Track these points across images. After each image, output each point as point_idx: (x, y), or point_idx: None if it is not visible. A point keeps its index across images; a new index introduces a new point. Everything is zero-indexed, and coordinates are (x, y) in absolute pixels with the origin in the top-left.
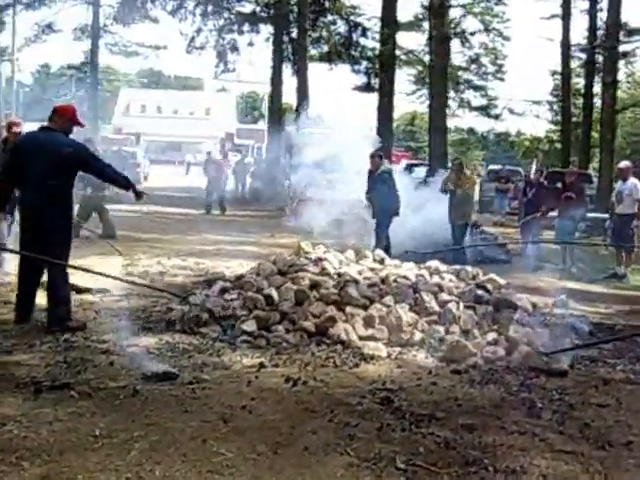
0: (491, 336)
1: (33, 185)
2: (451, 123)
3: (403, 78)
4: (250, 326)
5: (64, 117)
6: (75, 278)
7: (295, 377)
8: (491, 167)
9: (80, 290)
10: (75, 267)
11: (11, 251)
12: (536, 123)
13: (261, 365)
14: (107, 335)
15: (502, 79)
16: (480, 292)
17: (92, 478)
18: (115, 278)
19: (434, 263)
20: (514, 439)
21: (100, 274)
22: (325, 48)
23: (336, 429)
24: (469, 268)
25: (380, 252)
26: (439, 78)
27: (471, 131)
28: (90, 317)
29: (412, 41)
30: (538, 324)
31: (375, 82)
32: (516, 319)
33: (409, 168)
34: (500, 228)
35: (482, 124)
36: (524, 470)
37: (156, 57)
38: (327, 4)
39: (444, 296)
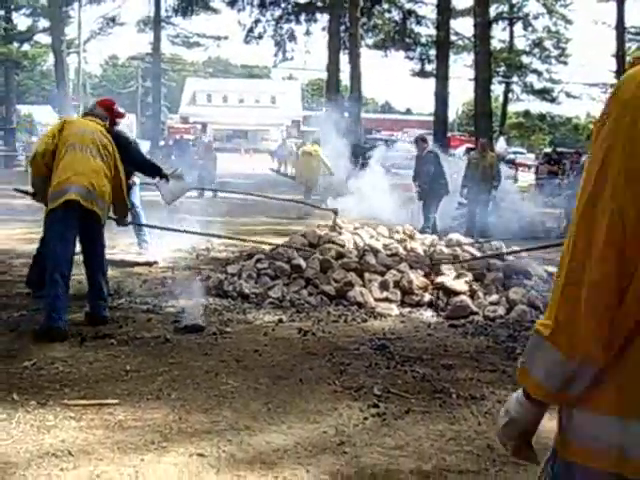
0: (494, 297)
1: None
2: (516, 107)
3: (468, 63)
4: (276, 293)
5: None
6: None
7: (307, 329)
8: (545, 150)
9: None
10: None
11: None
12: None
13: (279, 320)
14: (150, 299)
15: (565, 62)
16: (492, 260)
17: (120, 399)
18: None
19: (455, 236)
20: (484, 375)
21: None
22: (381, 35)
23: (331, 367)
24: (494, 242)
25: (410, 227)
26: (483, 63)
27: (527, 114)
28: (137, 285)
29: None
30: (548, 289)
31: (432, 68)
32: (530, 285)
33: (469, 151)
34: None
35: (542, 108)
36: (483, 397)
37: (217, 47)
38: None
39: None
